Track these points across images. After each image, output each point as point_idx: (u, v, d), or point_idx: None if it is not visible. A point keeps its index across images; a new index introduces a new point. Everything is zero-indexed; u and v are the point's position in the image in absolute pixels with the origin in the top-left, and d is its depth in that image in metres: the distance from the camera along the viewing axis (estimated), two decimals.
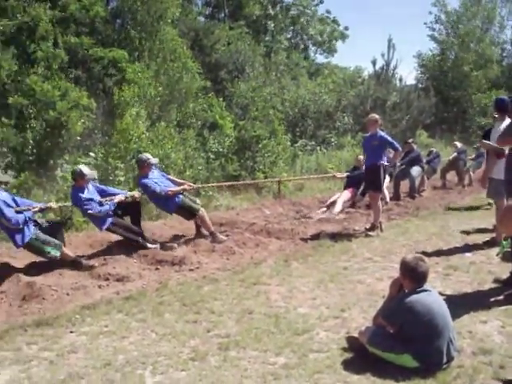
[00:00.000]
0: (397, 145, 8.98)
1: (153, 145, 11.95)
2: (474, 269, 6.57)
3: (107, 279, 6.61)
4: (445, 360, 4.03)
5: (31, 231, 6.81)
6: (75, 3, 15.64)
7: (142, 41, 17.23)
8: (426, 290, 4.19)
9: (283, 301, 5.73)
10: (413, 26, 67.76)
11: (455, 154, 14.63)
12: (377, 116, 9.17)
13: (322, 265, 7.08)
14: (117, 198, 7.87)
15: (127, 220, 8.16)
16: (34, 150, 12.06)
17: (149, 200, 9.02)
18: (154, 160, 8.62)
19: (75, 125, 12.27)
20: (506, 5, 31.72)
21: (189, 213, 8.45)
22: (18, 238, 6.73)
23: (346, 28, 38.19)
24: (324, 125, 20.16)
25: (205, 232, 8.45)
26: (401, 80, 23.77)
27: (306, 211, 11.08)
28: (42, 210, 7.48)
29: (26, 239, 6.75)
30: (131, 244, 7.72)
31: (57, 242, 6.99)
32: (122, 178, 10.74)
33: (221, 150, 14.29)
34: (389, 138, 8.85)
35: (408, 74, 65.27)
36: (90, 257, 7.53)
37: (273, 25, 31.05)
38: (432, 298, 4.20)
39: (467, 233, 8.61)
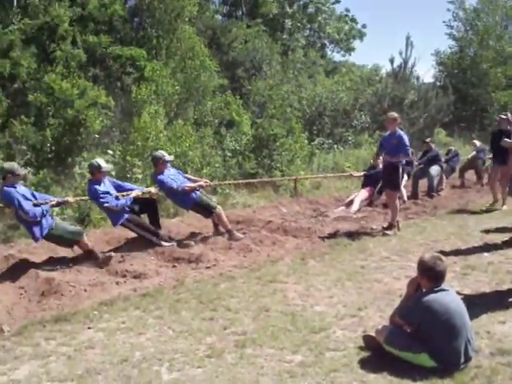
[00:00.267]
0: (408, 151, 8.87)
1: (170, 142, 11.99)
2: (493, 269, 6.50)
3: (124, 276, 6.65)
4: (462, 360, 4.00)
5: (49, 223, 6.93)
6: (94, 1, 15.71)
7: (160, 39, 17.28)
8: (443, 290, 4.16)
9: (300, 299, 5.72)
10: (431, 23, 67.16)
11: (474, 152, 14.49)
12: (396, 114, 9.09)
13: (338, 263, 7.06)
14: (133, 193, 7.93)
15: (145, 218, 8.21)
16: (53, 148, 12.19)
17: (166, 197, 9.06)
18: (169, 157, 8.66)
19: (93, 123, 12.38)
20: None
21: (206, 210, 8.46)
22: (36, 230, 6.85)
23: (364, 26, 38.02)
24: (341, 123, 20.05)
25: (222, 229, 8.47)
26: (418, 78, 23.61)
27: (323, 210, 11.05)
28: (59, 204, 7.60)
29: (45, 231, 6.88)
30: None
31: (77, 229, 7.22)
32: (140, 176, 10.80)
33: (238, 147, 14.29)
34: (404, 141, 8.71)
35: (426, 71, 64.89)
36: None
37: (290, 23, 30.94)
38: (450, 297, 4.17)
39: (486, 232, 8.53)
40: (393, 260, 7.15)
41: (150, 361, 4.33)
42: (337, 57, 38.85)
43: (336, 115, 20.04)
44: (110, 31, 16.75)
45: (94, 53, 15.29)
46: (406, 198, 11.50)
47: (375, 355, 4.23)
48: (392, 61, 22.71)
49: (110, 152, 12.09)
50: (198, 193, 8.42)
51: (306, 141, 15.83)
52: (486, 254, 7.24)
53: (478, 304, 5.14)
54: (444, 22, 31.49)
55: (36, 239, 6.99)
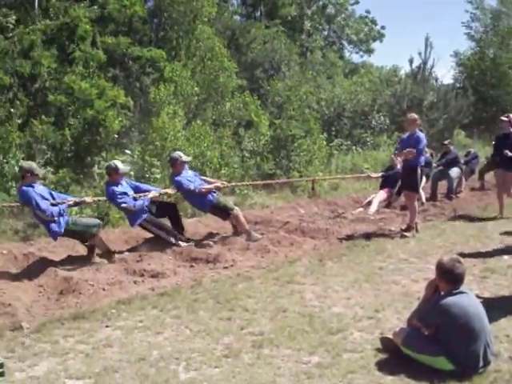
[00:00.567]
0: (421, 152, 8.82)
1: (189, 143, 12.04)
2: None
3: (142, 275, 6.69)
4: (481, 364, 3.96)
5: (66, 222, 7.02)
6: (114, 2, 15.81)
7: (179, 40, 17.34)
8: (462, 292, 4.13)
9: (317, 300, 5.71)
10: (450, 24, 66.64)
11: None
12: (416, 116, 9.03)
13: (356, 265, 7.03)
14: (151, 194, 7.99)
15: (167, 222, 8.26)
16: (73, 148, 12.32)
17: (183, 198, 9.10)
18: (187, 158, 8.69)
19: (112, 123, 12.47)
20: None
21: (223, 212, 8.48)
22: (55, 228, 6.94)
23: (383, 27, 37.80)
24: (360, 124, 19.98)
25: (240, 230, 8.48)
26: (436, 80, 23.45)
27: (341, 211, 11.02)
28: (76, 204, 7.68)
29: (62, 229, 6.99)
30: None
31: (94, 221, 7.40)
32: (158, 176, 10.85)
33: (256, 148, 14.30)
34: (422, 142, 8.67)
35: (445, 72, 64.36)
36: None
37: (309, 24, 30.87)
38: (468, 300, 4.13)
39: (506, 234, 8.44)
40: (411, 262, 7.11)
41: (167, 360, 4.34)
42: (355, 58, 38.68)
43: (354, 116, 19.96)
44: (129, 32, 16.85)
45: (113, 53, 15.38)
46: (424, 200, 11.42)
47: (392, 357, 4.21)
48: (411, 62, 22.62)
49: (129, 152, 12.17)
50: (215, 195, 8.44)
51: (325, 142, 15.79)
52: (505, 256, 7.17)
53: (498, 307, 5.09)
54: (463, 22, 31.23)
55: (55, 237, 7.10)
